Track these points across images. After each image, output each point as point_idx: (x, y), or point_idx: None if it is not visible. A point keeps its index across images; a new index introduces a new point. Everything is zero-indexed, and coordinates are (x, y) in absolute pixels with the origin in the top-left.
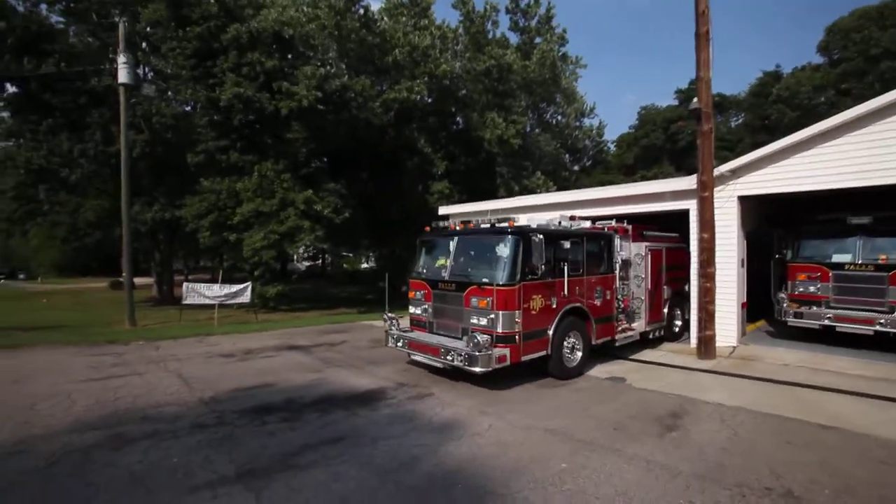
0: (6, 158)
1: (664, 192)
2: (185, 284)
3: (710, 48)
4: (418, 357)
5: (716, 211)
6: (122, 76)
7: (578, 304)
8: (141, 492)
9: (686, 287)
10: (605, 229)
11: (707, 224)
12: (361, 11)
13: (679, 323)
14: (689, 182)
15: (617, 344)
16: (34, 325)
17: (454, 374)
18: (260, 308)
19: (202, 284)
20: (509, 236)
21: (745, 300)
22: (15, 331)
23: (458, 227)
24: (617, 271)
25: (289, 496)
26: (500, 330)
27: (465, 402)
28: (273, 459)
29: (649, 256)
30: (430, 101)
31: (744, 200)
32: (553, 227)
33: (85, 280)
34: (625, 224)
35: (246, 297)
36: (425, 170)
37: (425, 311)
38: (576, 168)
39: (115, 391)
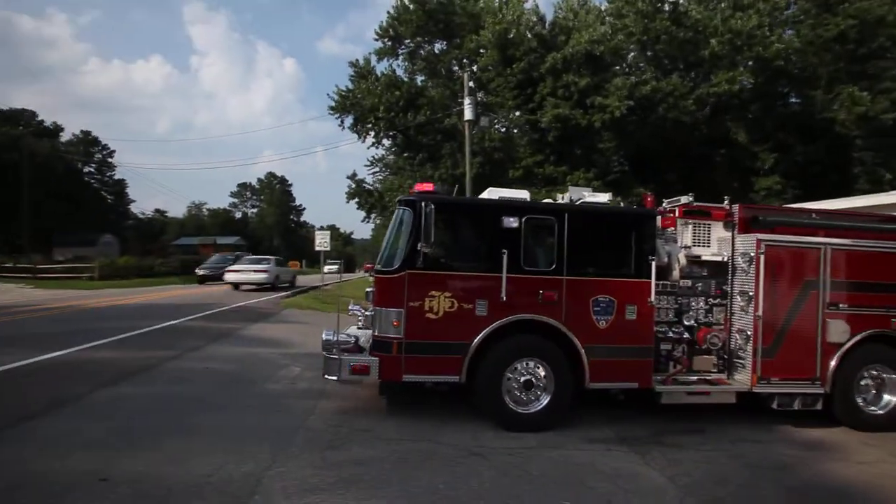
0: (397, 187)
1: None
2: None
3: None
4: None
5: None
6: (468, 114)
7: (541, 318)
8: (559, 435)
9: None
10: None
11: None
12: (669, 8)
13: (887, 399)
14: None
15: (663, 400)
16: None
17: None
18: None
19: None
20: (400, 207)
21: None
22: None
23: None
24: (654, 277)
25: (669, 463)
26: (376, 331)
27: (842, 426)
28: (645, 432)
29: (762, 259)
30: (750, 86)
31: None
32: (471, 199)
33: None
34: (726, 204)
35: None
36: (744, 165)
37: None
38: None
39: None
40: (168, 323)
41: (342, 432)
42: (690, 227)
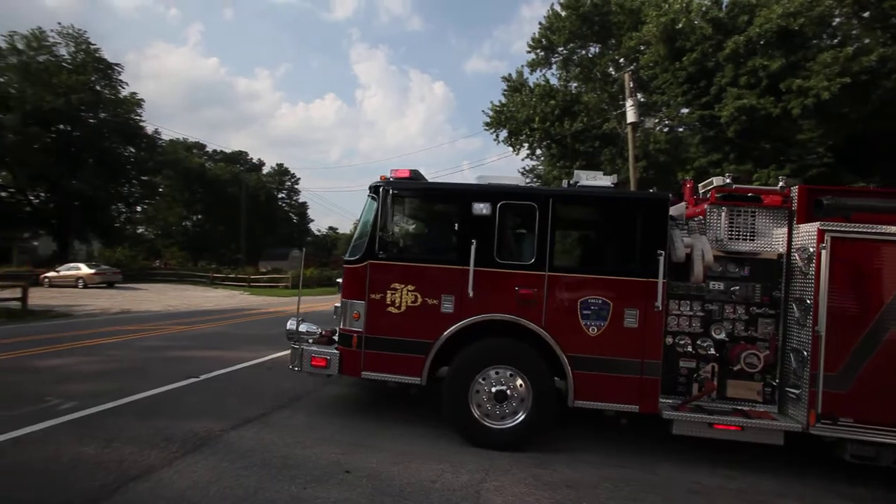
0: None
1: None
2: None
3: None
4: None
5: None
6: (630, 116)
7: (515, 319)
8: (794, 478)
9: None
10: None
11: None
12: None
13: None
14: None
15: (675, 430)
16: None
17: None
18: None
19: None
20: (369, 194)
21: None
22: None
23: None
24: (664, 275)
25: None
26: (341, 324)
27: None
28: None
29: (826, 255)
30: None
31: None
32: (438, 183)
33: None
34: (783, 186)
35: None
36: None
37: None
38: None
39: None
40: None
41: (544, 449)
42: (725, 214)
